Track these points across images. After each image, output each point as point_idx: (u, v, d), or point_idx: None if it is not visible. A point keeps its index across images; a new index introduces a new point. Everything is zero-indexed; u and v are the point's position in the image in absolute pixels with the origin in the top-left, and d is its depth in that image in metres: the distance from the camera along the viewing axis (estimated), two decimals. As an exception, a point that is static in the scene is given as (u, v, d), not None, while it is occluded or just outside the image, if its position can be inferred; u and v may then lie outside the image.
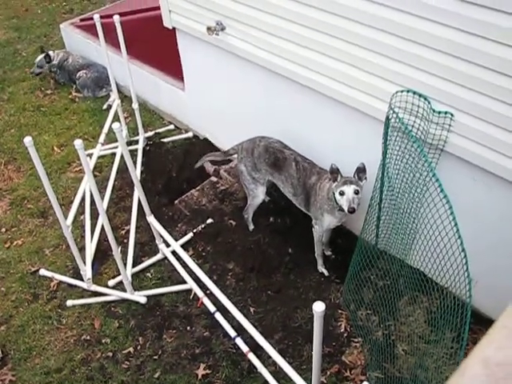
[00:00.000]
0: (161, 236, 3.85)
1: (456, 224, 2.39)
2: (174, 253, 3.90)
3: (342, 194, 3.32)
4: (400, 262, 3.50)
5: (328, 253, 4.04)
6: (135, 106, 4.86)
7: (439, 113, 2.94)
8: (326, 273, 3.89)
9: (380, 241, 3.79)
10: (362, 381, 3.22)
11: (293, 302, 3.71)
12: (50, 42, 6.66)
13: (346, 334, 3.48)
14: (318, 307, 2.08)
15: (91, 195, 4.53)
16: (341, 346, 3.43)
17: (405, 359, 3.30)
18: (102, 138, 4.59)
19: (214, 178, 4.61)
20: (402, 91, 3.03)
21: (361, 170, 3.34)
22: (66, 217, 3.58)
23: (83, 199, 4.38)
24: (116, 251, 3.58)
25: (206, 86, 4.74)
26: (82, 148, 3.10)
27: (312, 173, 3.69)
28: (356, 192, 3.32)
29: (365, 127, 3.50)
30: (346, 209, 3.31)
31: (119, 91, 5.13)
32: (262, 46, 3.82)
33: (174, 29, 4.60)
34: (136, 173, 3.55)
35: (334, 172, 3.35)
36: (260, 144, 3.90)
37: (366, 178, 3.37)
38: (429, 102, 2.96)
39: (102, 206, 3.40)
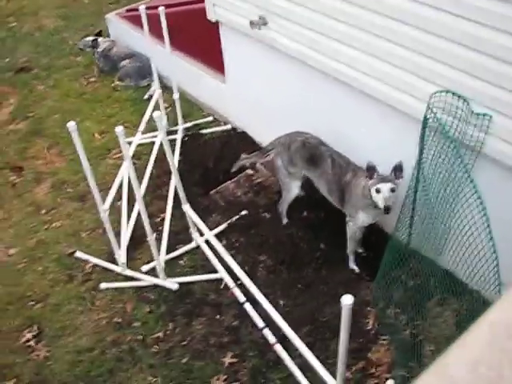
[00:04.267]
0: (195, 225, 3.91)
1: (489, 226, 2.38)
2: (207, 242, 3.97)
3: (378, 191, 3.33)
4: (431, 262, 3.50)
5: (359, 250, 4.05)
6: (176, 96, 4.93)
7: (478, 114, 2.92)
8: (356, 270, 3.90)
9: (412, 240, 3.78)
10: (387, 379, 3.22)
11: (322, 297, 3.72)
12: (96, 32, 6.76)
13: (373, 332, 3.48)
14: (347, 300, 2.10)
15: (129, 181, 4.64)
16: (368, 342, 3.43)
17: (431, 360, 3.28)
18: (142, 127, 4.68)
19: (249, 171, 4.66)
20: (441, 91, 3.02)
21: (398, 168, 3.33)
22: (103, 201, 3.68)
23: (121, 185, 4.48)
24: (151, 237, 3.65)
25: (246, 79, 4.78)
26: (122, 135, 3.18)
27: (347, 170, 3.70)
28: (392, 190, 3.32)
29: (402, 126, 3.49)
30: (381, 206, 3.31)
31: (160, 82, 5.21)
32: (303, 42, 3.84)
33: (217, 22, 4.66)
34: (174, 161, 3.60)
35: (371, 169, 3.35)
36: (297, 139, 3.93)
37: (402, 177, 3.36)
38: (468, 104, 2.95)
39: (140, 192, 3.47)
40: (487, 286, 2.63)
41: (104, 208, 3.64)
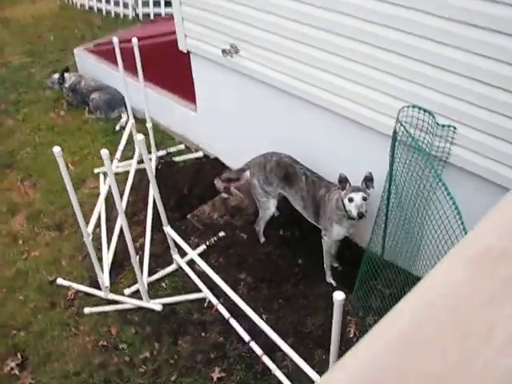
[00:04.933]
0: (176, 246, 4.01)
1: (463, 225, 2.58)
2: (188, 263, 4.07)
3: (350, 200, 3.52)
4: (405, 272, 3.69)
5: (335, 265, 4.21)
6: (149, 125, 5.06)
7: (443, 126, 3.15)
8: (334, 283, 4.05)
9: (386, 251, 3.97)
10: None
11: (303, 310, 3.86)
12: (63, 67, 6.86)
13: (355, 339, 3.63)
14: (338, 296, 2.24)
15: (106, 209, 4.73)
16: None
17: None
18: (118, 155, 4.78)
19: (224, 195, 4.80)
20: (408, 106, 3.25)
21: (368, 179, 3.55)
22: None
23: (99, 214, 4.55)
24: (134, 258, 3.73)
25: (217, 106, 4.96)
26: (107, 158, 3.28)
27: (321, 186, 3.90)
28: (364, 198, 3.52)
29: (370, 142, 3.72)
30: (355, 214, 3.50)
31: (134, 113, 5.34)
32: (274, 67, 4.04)
33: (187, 53, 4.84)
34: (154, 182, 3.71)
35: (343, 181, 3.55)
36: (272, 159, 4.10)
37: (373, 187, 3.57)
38: (433, 116, 3.18)
39: (122, 212, 3.56)
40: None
41: (88, 231, 3.70)
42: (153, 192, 3.69)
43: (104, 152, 3.28)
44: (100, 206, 4.15)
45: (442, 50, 2.93)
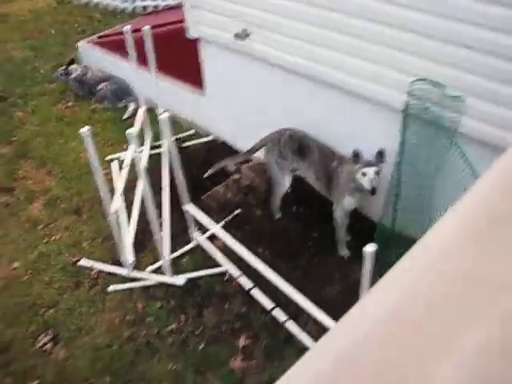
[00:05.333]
0: (196, 223, 4.19)
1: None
2: (209, 238, 4.25)
3: (364, 174, 3.71)
4: (415, 242, 3.89)
5: (347, 238, 4.39)
6: (160, 110, 5.21)
7: (452, 97, 3.35)
8: (347, 254, 4.23)
9: (397, 223, 4.16)
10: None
11: (320, 281, 4.04)
12: (66, 60, 6.98)
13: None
14: (370, 247, 2.42)
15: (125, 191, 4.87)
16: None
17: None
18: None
19: (236, 176, 4.97)
20: (418, 80, 3.45)
21: (381, 154, 3.73)
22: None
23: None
24: (158, 233, 3.90)
25: (225, 90, 5.13)
26: (134, 136, 3.44)
27: (333, 158, 4.08)
28: (377, 173, 3.71)
29: (382, 118, 3.90)
30: (368, 188, 3.69)
31: (138, 102, 5.51)
32: (283, 48, 4.22)
33: (195, 39, 5.00)
34: (178, 165, 3.88)
35: (357, 155, 3.74)
36: (285, 133, 4.29)
37: (385, 161, 3.76)
38: (443, 88, 3.38)
39: (147, 189, 3.72)
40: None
41: (112, 211, 3.86)
42: (174, 172, 3.84)
43: (129, 132, 3.43)
44: (121, 186, 4.30)
45: (450, 25, 3.12)
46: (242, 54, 4.59)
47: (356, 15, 3.62)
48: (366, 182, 3.72)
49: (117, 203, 3.93)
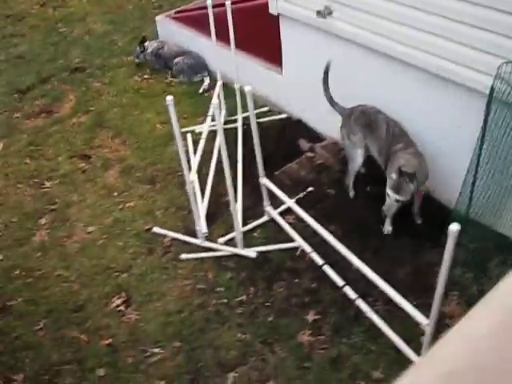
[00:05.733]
0: (269, 198, 4.20)
1: None
2: (279, 215, 4.26)
3: (387, 194, 3.82)
4: (489, 229, 3.80)
5: (418, 221, 4.30)
6: (237, 86, 5.24)
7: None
8: (389, 231, 4.19)
9: (472, 209, 4.06)
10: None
11: (392, 261, 3.98)
12: (143, 34, 7.10)
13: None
14: (454, 227, 2.37)
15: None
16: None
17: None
18: (210, 113, 4.98)
19: (310, 154, 4.95)
20: (506, 62, 3.32)
21: (406, 174, 3.72)
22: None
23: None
24: (233, 204, 3.93)
25: (303, 69, 5.09)
26: (217, 107, 3.47)
27: (400, 140, 4.00)
28: (397, 201, 3.81)
29: (464, 101, 3.80)
30: (387, 205, 3.92)
31: (215, 77, 5.55)
32: (367, 27, 4.15)
33: (275, 16, 4.98)
34: (257, 137, 3.89)
35: (400, 173, 3.73)
36: (358, 109, 4.27)
37: (415, 181, 3.76)
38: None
39: (226, 155, 3.75)
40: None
41: (189, 180, 3.92)
42: (255, 145, 3.85)
43: (214, 103, 3.46)
44: (198, 156, 4.35)
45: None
46: (323, 32, 4.54)
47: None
48: (387, 198, 3.86)
49: (194, 173, 3.98)
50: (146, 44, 6.62)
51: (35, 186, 5.13)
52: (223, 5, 6.34)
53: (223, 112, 5.41)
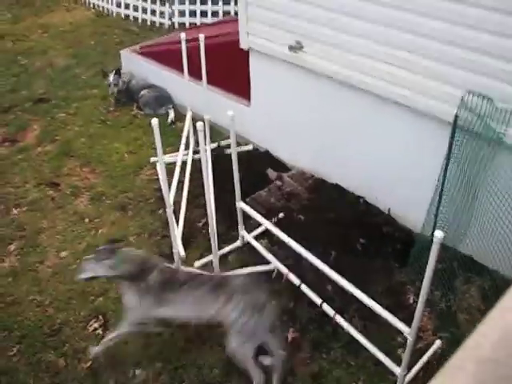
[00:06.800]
0: (244, 222, 4.34)
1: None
2: (256, 238, 4.40)
3: None
4: (453, 250, 4.07)
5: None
6: (206, 117, 5.41)
7: (501, 110, 3.54)
8: None
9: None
10: (433, 340, 3.68)
11: (364, 281, 4.16)
12: (104, 68, 7.21)
13: (414, 305, 3.94)
14: (438, 234, 2.58)
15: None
16: (411, 314, 3.88)
17: (467, 326, 3.80)
18: (182, 143, 5.12)
19: (278, 182, 5.14)
20: (468, 93, 3.65)
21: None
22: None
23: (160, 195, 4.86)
24: (212, 228, 4.04)
25: (271, 101, 5.33)
26: (202, 130, 3.62)
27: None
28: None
29: (429, 130, 4.11)
30: None
31: (179, 109, 5.72)
32: (334, 60, 4.44)
33: (238, 51, 5.23)
34: (235, 159, 4.05)
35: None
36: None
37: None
38: (491, 101, 3.58)
39: (209, 182, 3.88)
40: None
41: (169, 204, 4.01)
42: (233, 172, 4.01)
43: (205, 120, 3.62)
44: (175, 182, 4.46)
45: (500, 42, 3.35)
46: (293, 65, 4.80)
47: (409, 31, 3.85)
48: None
49: (172, 197, 4.09)
50: (121, 74, 6.71)
51: (2, 212, 5.09)
52: (191, 41, 6.62)
53: (192, 142, 5.56)
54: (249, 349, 3.37)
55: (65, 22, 9.09)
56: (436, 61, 3.80)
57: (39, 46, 8.26)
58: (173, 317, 3.64)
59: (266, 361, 3.48)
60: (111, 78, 6.59)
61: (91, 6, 9.81)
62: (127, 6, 9.18)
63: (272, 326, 3.48)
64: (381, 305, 3.90)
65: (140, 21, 9.02)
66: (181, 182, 5.15)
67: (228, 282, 3.55)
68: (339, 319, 3.72)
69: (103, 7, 9.55)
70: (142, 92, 6.48)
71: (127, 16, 9.20)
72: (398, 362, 3.36)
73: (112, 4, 9.33)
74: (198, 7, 8.64)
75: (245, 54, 5.32)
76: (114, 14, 9.35)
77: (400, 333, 3.70)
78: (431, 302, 3.96)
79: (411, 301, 4.01)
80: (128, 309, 3.60)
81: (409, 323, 3.82)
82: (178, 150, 5.54)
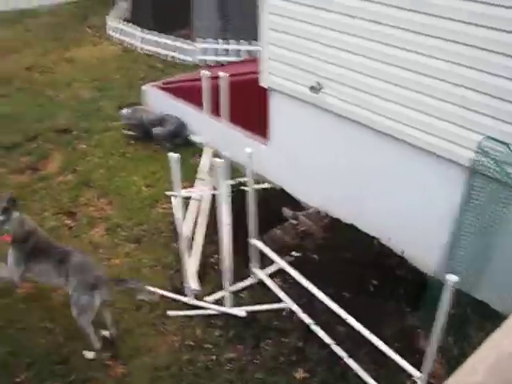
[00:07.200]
0: (257, 260, 4.35)
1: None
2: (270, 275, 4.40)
3: None
4: (467, 295, 4.03)
5: None
6: (225, 153, 5.47)
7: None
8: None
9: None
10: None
11: (375, 323, 4.13)
12: (128, 101, 7.36)
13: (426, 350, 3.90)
14: (452, 277, 2.57)
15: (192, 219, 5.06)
16: (422, 358, 3.83)
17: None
18: (200, 176, 5.18)
19: (293, 221, 5.16)
20: (486, 138, 3.67)
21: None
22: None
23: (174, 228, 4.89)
24: (227, 265, 4.06)
25: (289, 140, 5.40)
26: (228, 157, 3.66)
27: None
28: None
29: (445, 173, 4.13)
30: None
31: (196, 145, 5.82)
32: (353, 102, 4.50)
33: (259, 90, 5.33)
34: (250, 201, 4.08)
35: None
36: None
37: None
38: (508, 147, 3.59)
39: (227, 217, 3.91)
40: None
41: (184, 236, 4.05)
42: (249, 208, 4.04)
43: (218, 161, 3.66)
44: (192, 216, 4.50)
45: None
46: (312, 105, 4.87)
47: (429, 75, 3.91)
48: None
49: (187, 231, 4.12)
50: (134, 108, 6.85)
51: (20, 239, 5.14)
52: (212, 78, 6.76)
53: (208, 178, 5.62)
54: (84, 320, 3.86)
55: (92, 56, 9.33)
56: (460, 107, 3.84)
57: (65, 78, 8.47)
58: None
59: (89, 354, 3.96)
60: (124, 111, 6.72)
61: (118, 41, 10.10)
62: (152, 43, 9.45)
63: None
64: (392, 348, 3.88)
65: (164, 58, 9.24)
66: (196, 217, 5.21)
67: (68, 259, 3.94)
68: (350, 361, 3.68)
69: (129, 43, 9.83)
70: (155, 131, 6.57)
71: (152, 53, 9.44)
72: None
73: (138, 40, 9.61)
74: (221, 45, 8.88)
75: (263, 93, 5.42)
76: (140, 49, 9.59)
77: (410, 377, 3.67)
78: (443, 348, 3.90)
79: (423, 345, 3.95)
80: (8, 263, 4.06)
81: (420, 368, 3.79)
82: (193, 185, 5.62)
